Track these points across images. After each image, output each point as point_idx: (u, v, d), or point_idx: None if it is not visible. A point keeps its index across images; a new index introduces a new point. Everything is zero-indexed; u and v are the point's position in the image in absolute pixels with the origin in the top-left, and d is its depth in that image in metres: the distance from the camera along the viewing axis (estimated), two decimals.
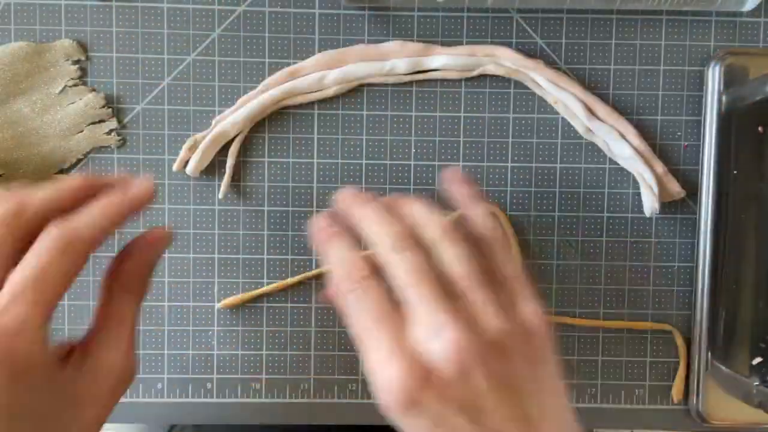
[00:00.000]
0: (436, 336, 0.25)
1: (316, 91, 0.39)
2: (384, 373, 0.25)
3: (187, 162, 0.39)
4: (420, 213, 0.29)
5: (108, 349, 0.29)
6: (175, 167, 0.39)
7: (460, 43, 0.40)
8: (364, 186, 0.40)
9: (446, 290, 0.27)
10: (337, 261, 0.28)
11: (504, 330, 0.26)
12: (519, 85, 0.40)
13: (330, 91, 0.39)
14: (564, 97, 0.38)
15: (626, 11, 0.40)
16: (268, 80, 0.39)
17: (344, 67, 0.39)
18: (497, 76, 0.40)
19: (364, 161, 0.40)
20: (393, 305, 0.27)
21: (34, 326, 0.26)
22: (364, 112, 0.40)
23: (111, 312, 0.29)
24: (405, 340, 0.26)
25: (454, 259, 0.27)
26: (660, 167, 0.39)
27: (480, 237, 0.29)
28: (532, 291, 0.28)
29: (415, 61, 0.39)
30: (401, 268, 0.27)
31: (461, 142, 0.40)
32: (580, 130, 0.39)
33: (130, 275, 0.30)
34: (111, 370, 0.29)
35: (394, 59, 0.39)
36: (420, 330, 0.26)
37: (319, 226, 0.30)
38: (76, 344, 0.29)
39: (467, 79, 0.40)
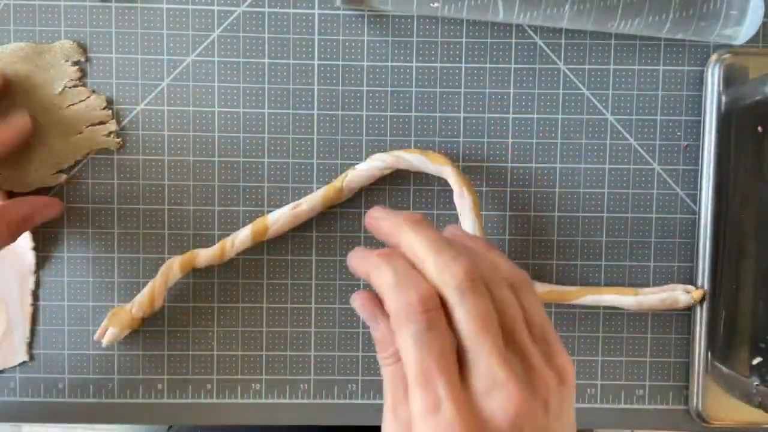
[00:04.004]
0: (496, 391, 0.25)
1: None
2: (434, 422, 0.24)
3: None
4: (482, 250, 0.28)
5: None
6: (96, 336, 0.39)
7: (460, 44, 0.40)
8: None
9: (505, 341, 0.26)
10: (399, 280, 0.26)
11: (551, 386, 0.26)
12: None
13: None
14: None
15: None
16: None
17: None
18: None
19: None
20: (452, 348, 0.25)
21: None
22: None
23: None
24: (461, 388, 0.25)
25: (516, 309, 0.27)
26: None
27: (511, 283, 0.28)
28: (560, 343, 0.28)
29: None
30: (465, 312, 0.25)
31: None
32: None
33: None
34: None
35: None
36: (480, 382, 0.25)
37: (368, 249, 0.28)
38: None
39: None
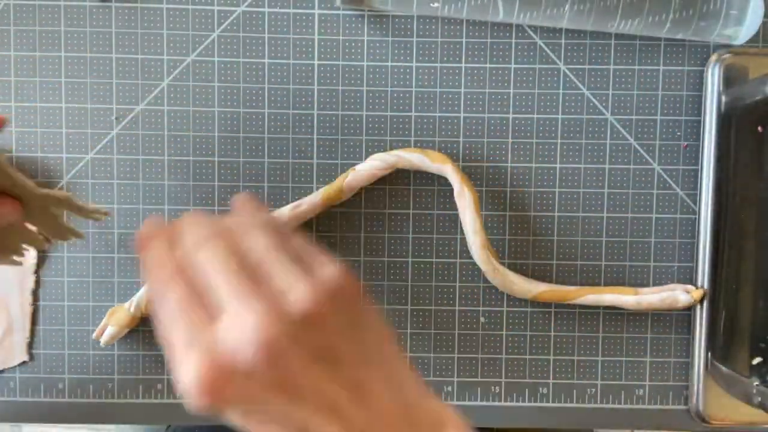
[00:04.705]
0: (237, 323, 0.24)
1: None
2: (183, 368, 0.24)
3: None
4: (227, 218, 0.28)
5: None
6: (94, 335, 0.40)
7: (460, 44, 0.40)
8: None
9: (250, 275, 0.25)
10: (150, 263, 0.27)
11: (310, 298, 0.24)
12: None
13: None
14: None
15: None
16: None
17: None
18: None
19: None
20: (200, 301, 0.25)
21: None
22: None
23: None
24: (208, 332, 0.24)
25: (253, 243, 0.26)
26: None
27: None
28: (325, 256, 0.27)
29: None
30: (205, 261, 0.25)
31: None
32: None
33: None
34: None
35: None
36: (223, 320, 0.24)
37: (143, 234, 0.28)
38: None
39: None
